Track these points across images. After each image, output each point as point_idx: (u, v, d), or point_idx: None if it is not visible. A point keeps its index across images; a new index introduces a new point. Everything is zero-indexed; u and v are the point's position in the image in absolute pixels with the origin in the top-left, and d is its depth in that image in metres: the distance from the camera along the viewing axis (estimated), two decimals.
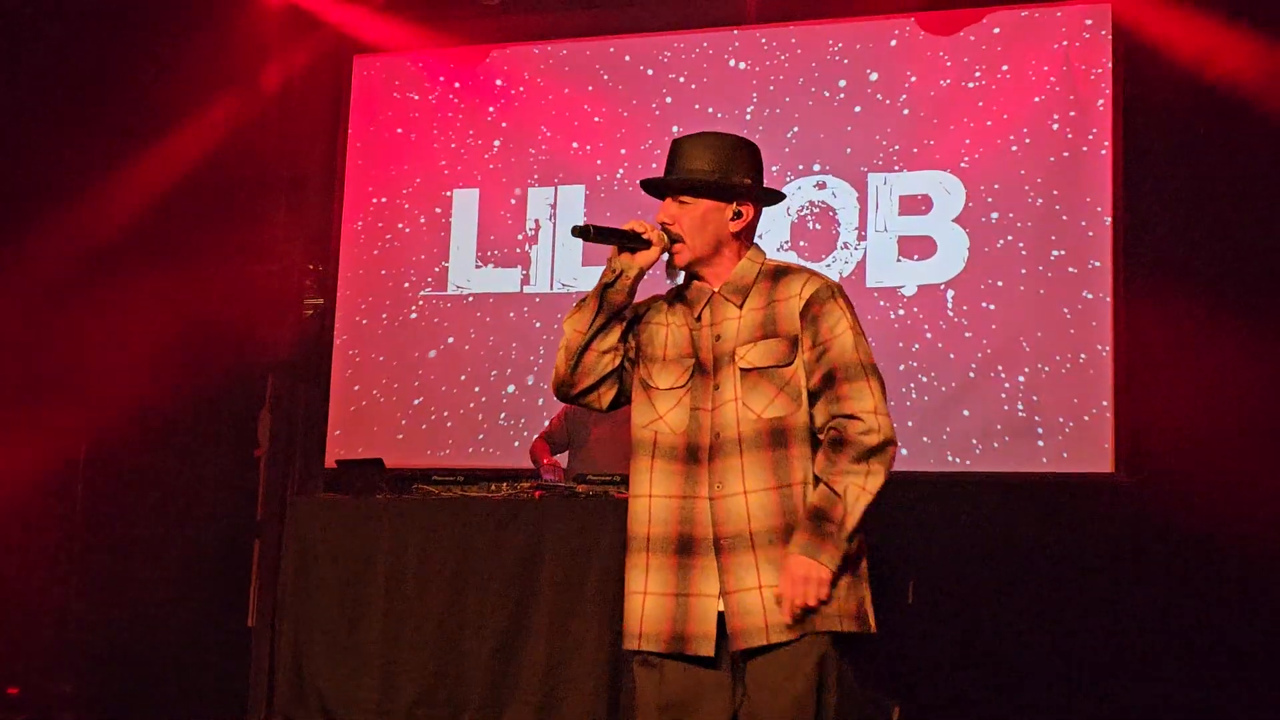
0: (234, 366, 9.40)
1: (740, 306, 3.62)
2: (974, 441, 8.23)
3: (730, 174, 3.59)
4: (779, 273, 3.66)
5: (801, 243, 8.63)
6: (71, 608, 9.11)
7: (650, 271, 3.67)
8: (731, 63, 9.02)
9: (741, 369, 3.56)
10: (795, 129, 8.79)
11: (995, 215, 8.39)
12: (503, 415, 9.09)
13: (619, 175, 9.10)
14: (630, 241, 3.59)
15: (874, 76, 8.73)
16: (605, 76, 9.27)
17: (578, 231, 3.61)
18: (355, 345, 9.51)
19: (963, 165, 8.48)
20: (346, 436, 9.36)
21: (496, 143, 9.43)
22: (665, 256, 3.65)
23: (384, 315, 9.47)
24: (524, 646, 6.39)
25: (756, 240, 3.74)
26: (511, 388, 9.12)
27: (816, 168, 8.72)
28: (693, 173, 3.59)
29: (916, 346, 8.38)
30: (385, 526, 6.77)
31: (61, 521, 9.20)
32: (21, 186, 8.66)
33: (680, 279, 3.73)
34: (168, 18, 8.85)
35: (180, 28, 8.90)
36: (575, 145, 9.26)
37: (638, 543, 3.63)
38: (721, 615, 3.49)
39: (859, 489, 3.42)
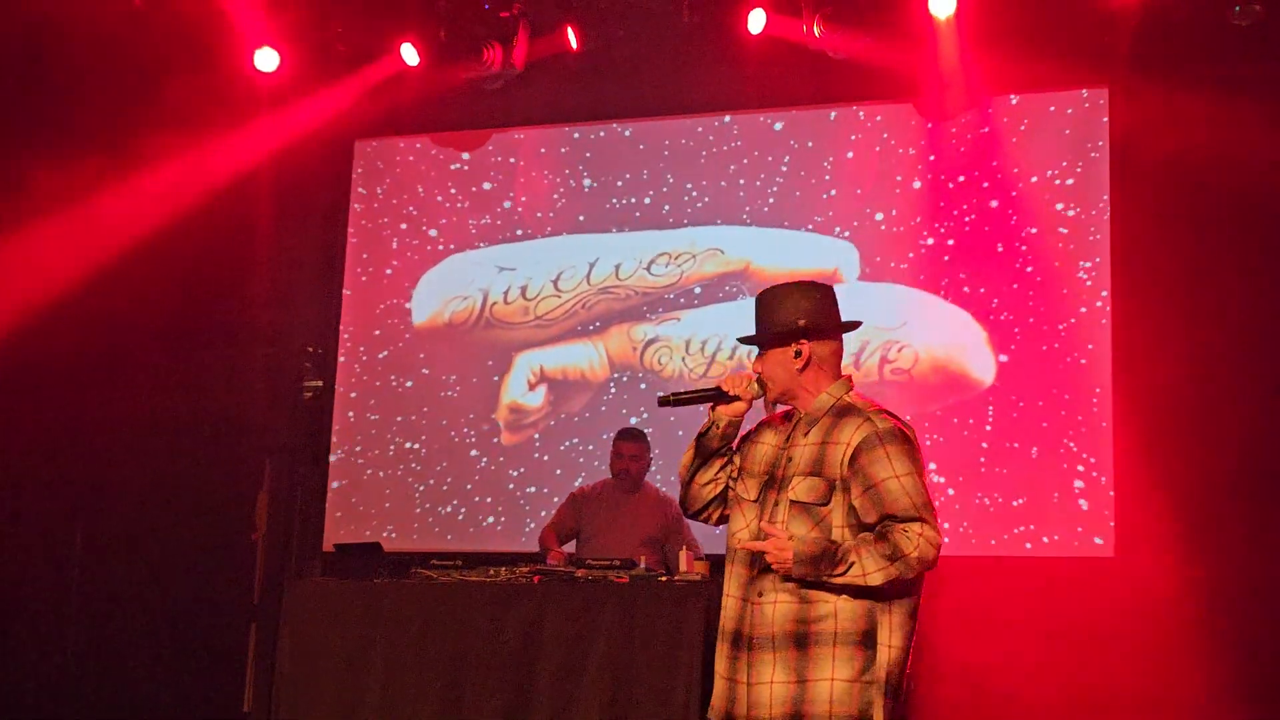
0: (232, 449, 9.41)
1: (806, 435, 4.11)
2: None
3: (786, 322, 4.11)
4: (844, 412, 4.09)
5: None
6: (65, 691, 9.05)
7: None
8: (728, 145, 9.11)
9: (791, 499, 4.04)
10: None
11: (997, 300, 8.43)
12: (503, 500, 9.07)
13: (617, 264, 9.15)
14: (718, 399, 4.17)
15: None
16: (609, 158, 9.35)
17: (664, 402, 4.24)
18: (354, 428, 9.51)
19: (954, 245, 8.53)
20: (344, 520, 9.34)
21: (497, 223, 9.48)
22: (762, 397, 4.20)
23: (382, 399, 9.48)
24: None
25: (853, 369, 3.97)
26: (515, 472, 9.12)
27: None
28: (758, 331, 4.17)
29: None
30: (383, 611, 6.72)
31: (57, 605, 9.16)
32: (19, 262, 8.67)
33: (780, 407, 4.28)
34: (167, 104, 8.90)
35: (177, 112, 8.94)
36: (579, 223, 9.31)
37: (721, 632, 4.16)
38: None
39: (862, 571, 3.87)
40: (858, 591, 3.91)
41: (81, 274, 8.71)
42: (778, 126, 9.08)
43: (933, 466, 8.30)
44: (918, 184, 8.71)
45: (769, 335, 4.14)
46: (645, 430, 8.16)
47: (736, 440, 4.29)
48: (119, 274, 8.80)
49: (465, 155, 9.68)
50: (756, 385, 4.16)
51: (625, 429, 8.07)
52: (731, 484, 4.24)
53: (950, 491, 8.32)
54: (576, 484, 8.50)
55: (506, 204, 9.53)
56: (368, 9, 9.18)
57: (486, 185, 9.61)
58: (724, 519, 4.28)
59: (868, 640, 3.94)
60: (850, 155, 8.89)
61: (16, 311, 8.60)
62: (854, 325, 4.25)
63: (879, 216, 8.75)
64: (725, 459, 4.25)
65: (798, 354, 4.12)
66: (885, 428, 3.99)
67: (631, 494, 7.80)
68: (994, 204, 8.54)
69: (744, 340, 4.28)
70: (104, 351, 9.02)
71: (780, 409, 4.27)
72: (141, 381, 9.20)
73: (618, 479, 7.85)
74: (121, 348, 9.08)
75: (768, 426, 4.29)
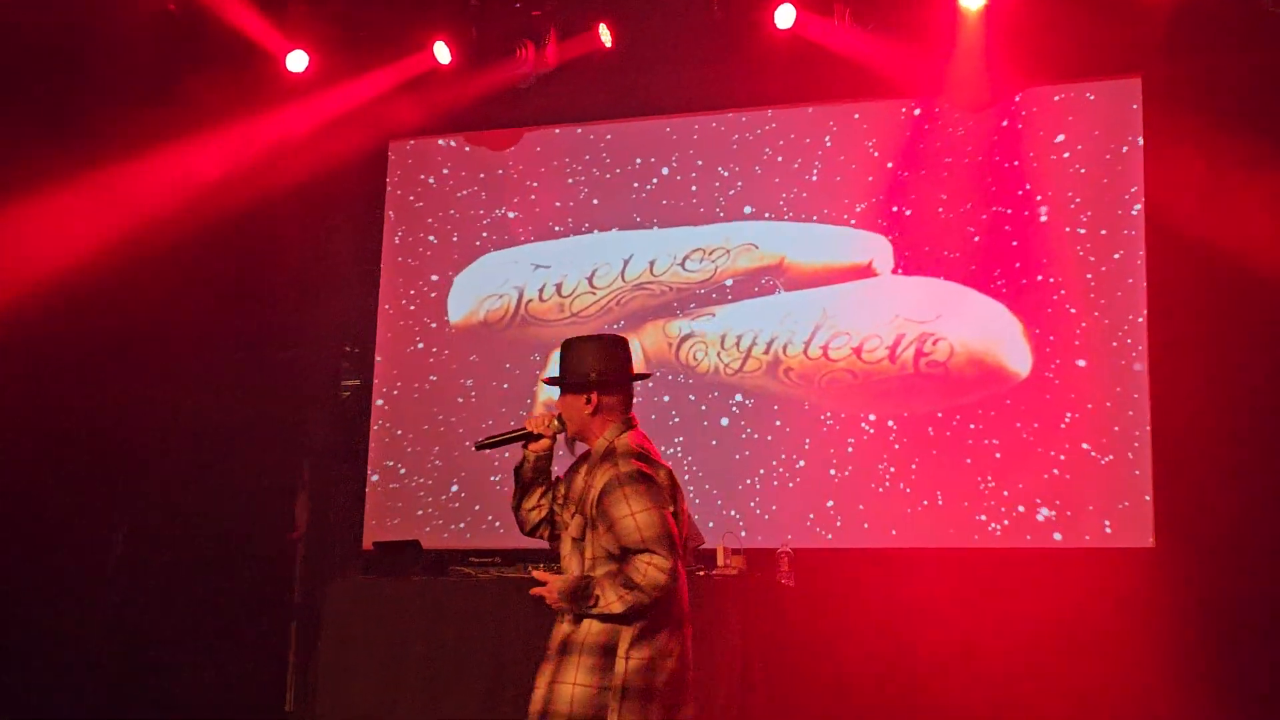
0: (271, 449, 9.47)
1: (584, 476, 4.62)
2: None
3: (581, 372, 4.63)
4: (607, 455, 4.58)
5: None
6: (107, 691, 9.12)
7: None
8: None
9: (570, 536, 4.60)
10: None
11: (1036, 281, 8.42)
12: None
13: (651, 260, 9.18)
14: (526, 439, 4.71)
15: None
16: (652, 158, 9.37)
17: (480, 446, 4.81)
18: (391, 427, 9.55)
19: (987, 238, 8.51)
20: (383, 518, 9.39)
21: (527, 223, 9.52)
22: (563, 433, 4.71)
23: (419, 396, 9.53)
24: None
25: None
26: (552, 468, 9.13)
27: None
28: (558, 376, 4.69)
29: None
30: (422, 609, 6.77)
31: (99, 605, 9.24)
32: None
33: (578, 447, 4.79)
34: (203, 107, 8.96)
35: (213, 115, 9.01)
36: (613, 220, 9.34)
37: None
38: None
39: (606, 602, 4.38)
40: (606, 615, 4.39)
41: (122, 277, 8.77)
42: (810, 121, 9.07)
43: (971, 461, 8.29)
44: (950, 176, 8.68)
45: (566, 382, 4.66)
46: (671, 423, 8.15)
47: (567, 471, 4.76)
48: (159, 277, 8.85)
49: (498, 154, 9.72)
50: (558, 423, 4.70)
51: None
52: (556, 510, 4.75)
53: (992, 483, 8.30)
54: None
55: (540, 202, 9.55)
56: (400, 9, 9.22)
57: (520, 183, 9.63)
58: (555, 538, 4.79)
59: (607, 652, 4.40)
60: (883, 149, 8.87)
61: (58, 314, 8.67)
62: (644, 376, 4.93)
63: (911, 210, 8.73)
64: (544, 487, 4.78)
65: (588, 401, 4.63)
66: (627, 471, 4.48)
67: None
68: (1027, 194, 8.51)
69: (547, 381, 4.89)
70: (144, 353, 9.09)
71: (579, 445, 4.76)
72: (181, 383, 9.27)
73: None
74: (162, 350, 9.15)
75: (583, 459, 4.73)
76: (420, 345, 9.62)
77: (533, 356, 9.37)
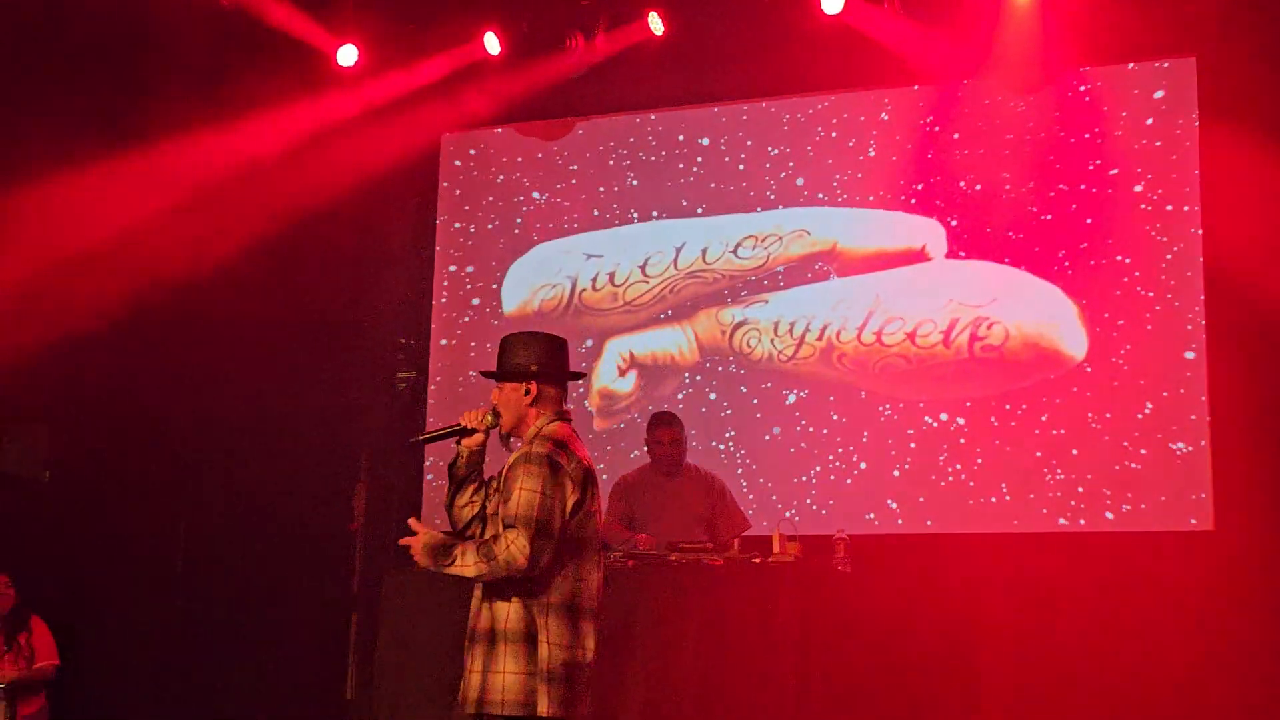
0: (330, 442, 9.54)
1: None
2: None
3: (523, 364, 4.83)
4: (532, 440, 4.72)
5: None
6: (170, 680, 9.24)
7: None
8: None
9: (490, 514, 4.77)
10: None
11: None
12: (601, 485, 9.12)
13: (704, 248, 9.18)
14: (460, 434, 4.83)
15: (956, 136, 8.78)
16: (704, 142, 9.37)
17: (414, 441, 5.04)
18: (447, 418, 9.59)
19: (1044, 219, 8.47)
20: (440, 510, 9.41)
21: (595, 212, 9.54)
22: (496, 429, 4.84)
23: (474, 388, 9.56)
24: (619, 716, 6.37)
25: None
26: (607, 457, 9.17)
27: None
28: (499, 367, 4.86)
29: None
30: None
31: (162, 596, 9.36)
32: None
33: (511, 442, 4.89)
34: (258, 105, 9.05)
35: (267, 113, 9.09)
36: (665, 208, 9.35)
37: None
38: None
39: (463, 563, 4.55)
40: (521, 594, 4.55)
41: (179, 273, 8.87)
42: (860, 106, 9.05)
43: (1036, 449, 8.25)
44: (1003, 159, 8.64)
45: (509, 372, 4.83)
46: (724, 412, 8.15)
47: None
48: (218, 276, 8.95)
49: (550, 144, 9.75)
50: (491, 418, 4.83)
51: (659, 414, 8.00)
52: (487, 503, 4.83)
53: (1047, 467, 8.26)
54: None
55: (592, 191, 9.57)
56: (449, 1, 9.26)
57: (572, 173, 9.66)
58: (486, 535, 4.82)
59: (529, 639, 4.55)
60: (934, 133, 8.84)
61: (128, 310, 8.78)
62: (580, 375, 5.10)
63: (964, 194, 8.70)
64: (477, 484, 4.88)
65: (528, 391, 4.81)
66: (537, 451, 4.66)
67: (674, 476, 7.77)
68: (1080, 176, 8.46)
69: (484, 374, 4.99)
70: (204, 349, 9.20)
71: (514, 441, 4.88)
72: (241, 379, 9.37)
73: (661, 463, 7.81)
74: (220, 346, 9.25)
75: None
76: (475, 336, 9.66)
77: (587, 345, 9.39)
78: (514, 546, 4.48)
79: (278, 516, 9.28)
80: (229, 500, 9.43)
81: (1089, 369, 8.31)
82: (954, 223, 8.69)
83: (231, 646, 9.25)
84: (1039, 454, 8.30)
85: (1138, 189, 8.36)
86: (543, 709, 4.51)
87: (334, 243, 9.57)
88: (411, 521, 4.72)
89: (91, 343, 8.68)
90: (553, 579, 4.58)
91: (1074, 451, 8.24)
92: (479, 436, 4.85)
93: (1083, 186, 8.46)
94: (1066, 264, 8.42)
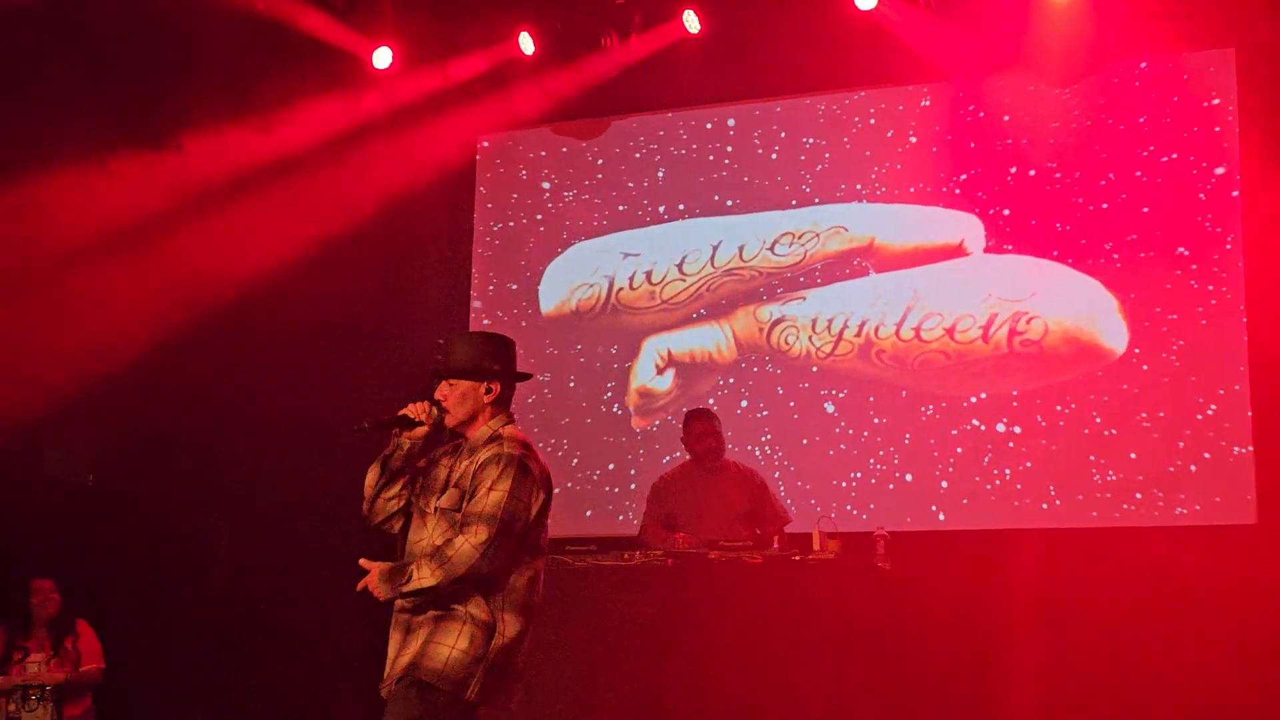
0: (372, 444, 9.54)
1: (469, 458, 4.75)
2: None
3: (481, 365, 4.82)
4: (492, 439, 4.76)
5: None
6: (215, 683, 9.29)
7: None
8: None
9: (438, 507, 4.74)
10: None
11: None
12: (635, 484, 9.14)
13: (740, 245, 9.17)
14: (405, 425, 4.76)
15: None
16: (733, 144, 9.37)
17: (359, 430, 4.77)
18: None
19: (1088, 211, 8.43)
20: None
21: (621, 207, 9.55)
22: (439, 422, 4.78)
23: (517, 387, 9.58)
24: (660, 715, 6.37)
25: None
26: (645, 455, 9.19)
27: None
28: (456, 363, 4.82)
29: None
30: None
31: (207, 599, 9.41)
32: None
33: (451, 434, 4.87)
34: (298, 113, 9.10)
35: (304, 114, 9.14)
36: (701, 206, 9.34)
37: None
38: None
39: (420, 576, 4.55)
40: (418, 591, 4.56)
41: (225, 279, 8.92)
42: (896, 102, 9.02)
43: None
44: (1044, 152, 8.60)
45: (471, 369, 4.81)
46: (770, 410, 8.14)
47: (424, 463, 4.87)
48: (258, 279, 9.00)
49: (586, 143, 9.75)
50: (436, 411, 4.78)
51: (694, 410, 8.00)
52: (415, 499, 4.84)
53: (1088, 460, 8.22)
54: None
55: (628, 190, 9.58)
56: (482, 1, 9.28)
57: (608, 172, 9.66)
58: (405, 528, 4.87)
59: (488, 628, 4.59)
60: (969, 127, 8.81)
61: (170, 314, 8.84)
62: (527, 376, 5.05)
63: (1004, 186, 8.65)
64: (407, 477, 4.85)
65: (488, 390, 4.82)
66: (510, 453, 4.69)
67: (714, 472, 7.75)
68: (1119, 168, 8.41)
69: (440, 369, 4.86)
70: (246, 353, 9.25)
71: (456, 435, 4.86)
72: (281, 381, 9.41)
73: (698, 459, 7.79)
74: (262, 349, 9.29)
75: (445, 454, 4.88)
76: (512, 336, 9.63)
77: (619, 345, 9.39)
78: (468, 544, 4.54)
79: (319, 519, 9.30)
80: (271, 503, 9.47)
81: (1129, 362, 8.25)
82: (1005, 212, 8.65)
83: (273, 649, 9.29)
84: (1076, 446, 8.25)
85: (1175, 183, 8.29)
86: (470, 693, 4.57)
87: (371, 246, 9.60)
88: (363, 561, 4.70)
89: (134, 346, 8.74)
90: (515, 577, 4.65)
91: (1111, 444, 8.19)
92: (422, 430, 4.81)
93: (1137, 173, 8.39)
94: (1116, 257, 8.35)
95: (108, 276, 8.71)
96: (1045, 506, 8.25)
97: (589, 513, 9.22)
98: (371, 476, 4.87)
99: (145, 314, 8.80)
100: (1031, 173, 8.60)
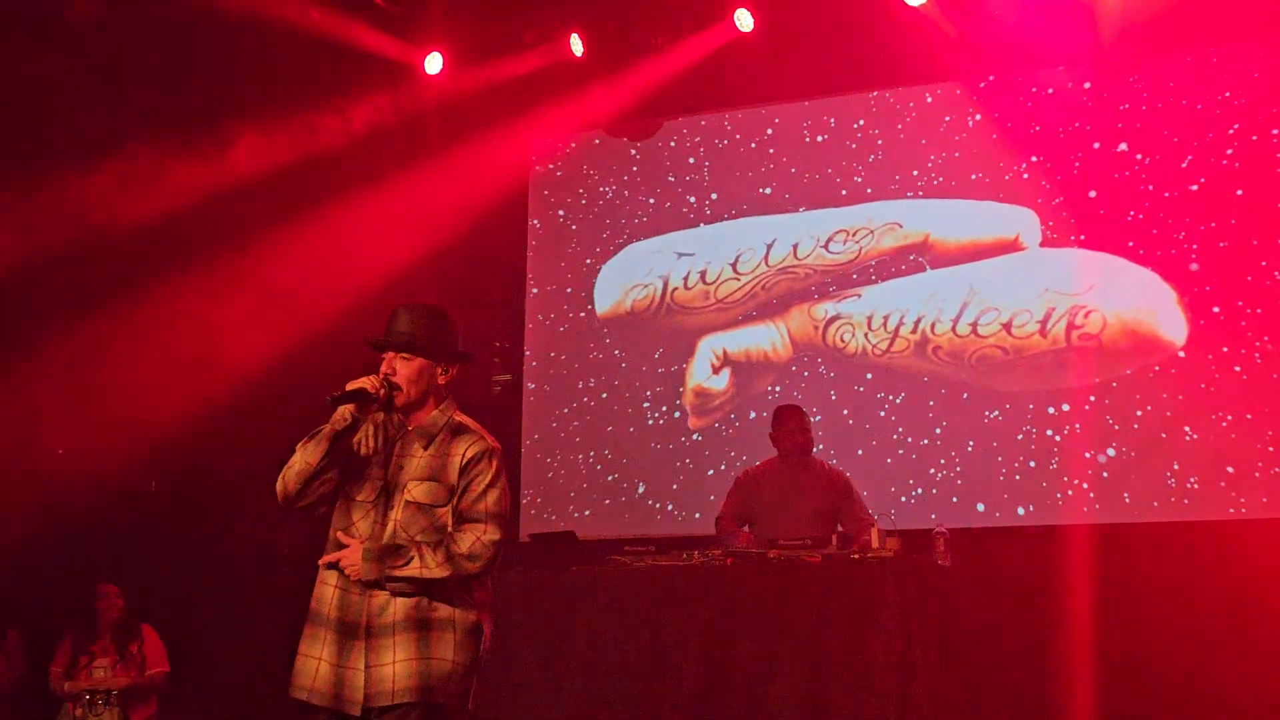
0: None
1: (425, 449, 4.52)
2: None
3: (443, 341, 4.56)
4: (458, 430, 4.54)
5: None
6: (276, 685, 9.34)
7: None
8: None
9: (407, 500, 4.45)
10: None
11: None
12: (693, 484, 9.14)
13: (795, 244, 9.16)
14: (363, 400, 4.41)
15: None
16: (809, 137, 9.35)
17: (329, 401, 4.42)
18: (543, 420, 9.65)
19: (1159, 199, 8.37)
20: (538, 511, 9.50)
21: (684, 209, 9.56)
22: (388, 400, 4.48)
23: (569, 389, 9.62)
24: (724, 714, 6.37)
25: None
26: (703, 455, 9.20)
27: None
28: (414, 337, 4.51)
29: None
30: (580, 599, 6.82)
31: (266, 603, 9.46)
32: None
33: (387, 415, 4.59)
34: (355, 121, 9.18)
35: (356, 120, 9.21)
36: (755, 205, 9.34)
37: (318, 618, 4.49)
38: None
39: (424, 564, 4.34)
40: (417, 578, 4.35)
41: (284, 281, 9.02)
42: (948, 98, 8.99)
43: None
44: (1098, 145, 8.55)
45: (430, 346, 4.53)
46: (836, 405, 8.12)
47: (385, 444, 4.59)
48: (317, 281, 9.07)
49: (639, 144, 9.77)
50: (385, 389, 4.47)
51: (784, 406, 7.98)
52: (342, 485, 4.52)
53: (1146, 454, 8.16)
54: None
55: (682, 190, 9.59)
56: (532, 5, 9.31)
57: (661, 172, 9.68)
58: (328, 513, 4.56)
59: (475, 631, 4.46)
60: (1024, 122, 8.77)
61: (230, 318, 8.93)
62: (470, 358, 4.71)
63: (1059, 181, 8.61)
64: (340, 463, 4.52)
65: (445, 371, 4.56)
66: (492, 447, 4.51)
67: (799, 470, 7.73)
68: (1181, 159, 8.35)
69: (397, 340, 4.54)
70: (307, 353, 9.29)
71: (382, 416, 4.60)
72: (343, 383, 9.44)
73: (785, 456, 7.78)
74: (322, 350, 9.33)
75: (364, 433, 4.59)
76: (568, 337, 9.71)
77: (674, 346, 9.40)
78: (479, 541, 4.37)
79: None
80: (333, 506, 9.51)
81: (1189, 355, 8.18)
82: (1047, 211, 8.60)
83: None
84: (1134, 438, 8.20)
85: (1237, 173, 8.23)
86: (471, 705, 4.44)
87: (427, 248, 9.63)
88: (342, 535, 4.45)
89: (196, 351, 8.82)
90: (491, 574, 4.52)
91: (1172, 436, 8.13)
92: (372, 406, 4.47)
93: (1178, 173, 8.33)
94: (1164, 250, 8.29)
95: (192, 290, 8.81)
96: (1104, 502, 8.20)
97: (646, 513, 9.23)
98: (313, 454, 4.46)
99: (206, 321, 8.88)
100: (1085, 166, 8.55)
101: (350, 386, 4.43)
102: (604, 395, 9.53)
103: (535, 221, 9.97)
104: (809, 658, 6.29)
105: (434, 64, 9.41)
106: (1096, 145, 8.56)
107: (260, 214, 9.17)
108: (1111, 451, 8.25)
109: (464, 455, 4.47)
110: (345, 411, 4.44)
